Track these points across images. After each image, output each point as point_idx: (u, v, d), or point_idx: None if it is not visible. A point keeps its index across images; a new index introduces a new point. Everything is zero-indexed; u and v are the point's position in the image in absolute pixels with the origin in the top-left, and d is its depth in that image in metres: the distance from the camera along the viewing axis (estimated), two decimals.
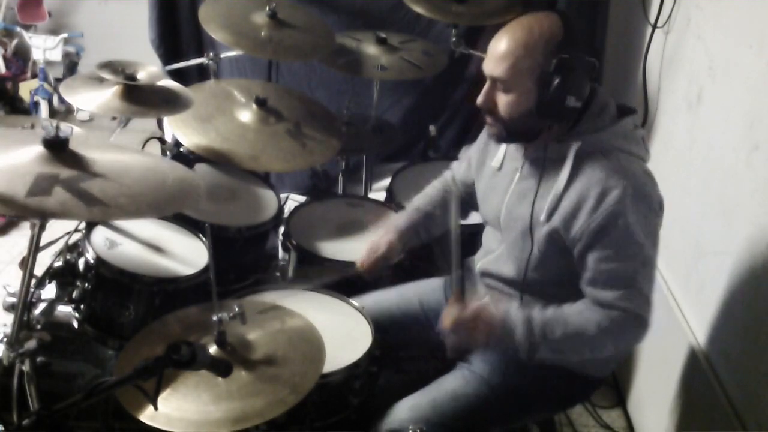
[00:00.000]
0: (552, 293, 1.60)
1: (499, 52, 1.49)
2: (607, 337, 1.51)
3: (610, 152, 1.50)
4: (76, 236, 1.94)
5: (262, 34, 2.36)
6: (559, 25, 1.47)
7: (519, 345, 1.52)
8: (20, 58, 4.44)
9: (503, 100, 1.52)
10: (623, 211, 1.45)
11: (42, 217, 1.37)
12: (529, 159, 1.60)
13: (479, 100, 1.56)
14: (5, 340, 1.53)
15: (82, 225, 1.93)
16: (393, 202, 2.38)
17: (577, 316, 1.52)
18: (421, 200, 1.95)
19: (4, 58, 4.31)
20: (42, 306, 1.79)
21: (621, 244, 1.47)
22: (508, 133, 1.57)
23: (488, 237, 1.79)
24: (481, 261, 1.78)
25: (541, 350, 1.53)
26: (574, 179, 1.51)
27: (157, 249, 1.95)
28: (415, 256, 2.04)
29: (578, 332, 1.51)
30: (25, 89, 4.26)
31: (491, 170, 1.74)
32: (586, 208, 1.48)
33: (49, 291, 1.84)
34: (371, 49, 2.60)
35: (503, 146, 1.71)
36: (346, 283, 1.96)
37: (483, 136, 1.82)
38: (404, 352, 1.94)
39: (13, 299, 1.74)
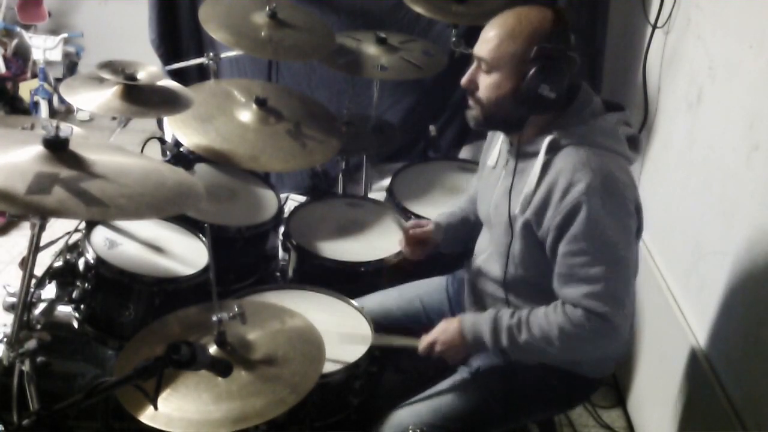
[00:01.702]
0: (537, 294, 1.59)
1: (487, 34, 1.53)
2: (570, 339, 1.49)
3: (584, 146, 1.49)
4: (76, 236, 1.94)
5: (262, 34, 2.36)
6: (549, 19, 1.49)
7: (488, 350, 1.58)
8: (20, 58, 4.43)
9: (484, 82, 1.54)
10: (587, 204, 1.43)
11: (41, 215, 1.37)
12: (514, 154, 1.61)
13: (463, 79, 1.58)
14: (5, 340, 1.53)
15: (82, 225, 1.92)
16: (393, 202, 2.38)
17: (542, 319, 1.52)
18: (453, 207, 1.99)
19: (4, 58, 4.30)
20: (42, 306, 1.79)
21: (586, 238, 1.45)
22: (484, 117, 1.58)
23: (481, 238, 1.80)
24: (475, 261, 1.78)
25: (510, 353, 1.56)
26: (546, 172, 1.51)
27: (157, 249, 1.95)
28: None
29: (542, 335, 1.51)
30: (25, 89, 4.25)
31: (488, 169, 1.75)
32: (553, 201, 1.48)
33: (49, 291, 1.84)
34: (371, 49, 2.60)
35: (498, 145, 1.72)
36: (348, 281, 1.97)
37: (488, 138, 1.83)
38: (405, 352, 1.94)
39: (13, 299, 1.74)
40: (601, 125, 1.53)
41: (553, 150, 1.51)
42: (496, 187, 1.66)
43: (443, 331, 1.63)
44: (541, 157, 1.51)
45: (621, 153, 1.53)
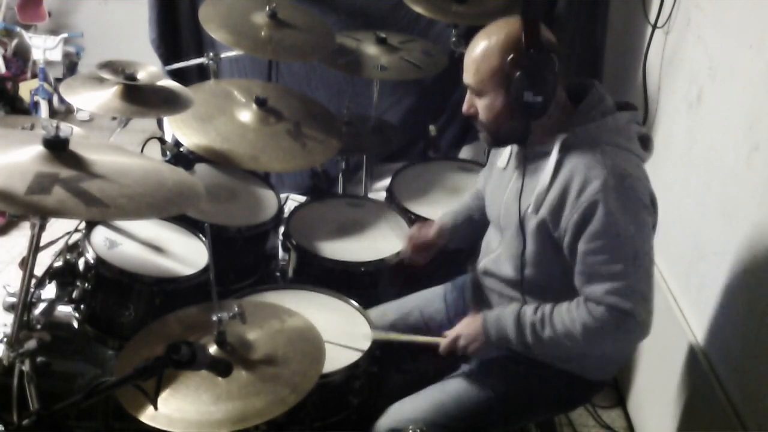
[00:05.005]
0: (554, 293, 1.60)
1: (466, 61, 1.56)
2: (594, 336, 1.50)
3: (597, 144, 1.50)
4: (76, 236, 1.94)
5: (262, 34, 2.36)
6: (518, 27, 1.49)
7: (512, 346, 1.59)
8: (20, 58, 4.43)
9: (480, 106, 1.57)
10: (603, 201, 1.44)
11: (41, 215, 1.37)
12: (523, 156, 1.62)
13: (463, 108, 1.61)
14: (5, 340, 1.53)
15: (82, 225, 1.92)
16: (393, 202, 2.38)
17: (566, 315, 1.53)
18: (458, 206, 1.99)
19: (4, 58, 4.30)
20: (42, 306, 1.79)
21: (605, 235, 1.46)
22: (493, 136, 1.61)
23: (489, 237, 1.80)
24: (482, 261, 1.78)
25: (534, 349, 1.57)
26: (560, 171, 1.52)
27: (157, 249, 1.95)
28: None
29: (565, 332, 1.52)
30: (25, 89, 4.25)
31: (498, 170, 1.75)
32: (569, 200, 1.49)
33: (49, 291, 1.84)
34: (371, 49, 2.60)
35: (509, 147, 1.72)
36: (348, 281, 1.97)
37: None
38: (406, 352, 1.94)
39: (13, 299, 1.74)
40: (612, 123, 1.54)
41: (565, 149, 1.52)
42: (506, 189, 1.66)
43: (466, 325, 1.65)
44: (554, 157, 1.52)
45: (632, 151, 1.54)
